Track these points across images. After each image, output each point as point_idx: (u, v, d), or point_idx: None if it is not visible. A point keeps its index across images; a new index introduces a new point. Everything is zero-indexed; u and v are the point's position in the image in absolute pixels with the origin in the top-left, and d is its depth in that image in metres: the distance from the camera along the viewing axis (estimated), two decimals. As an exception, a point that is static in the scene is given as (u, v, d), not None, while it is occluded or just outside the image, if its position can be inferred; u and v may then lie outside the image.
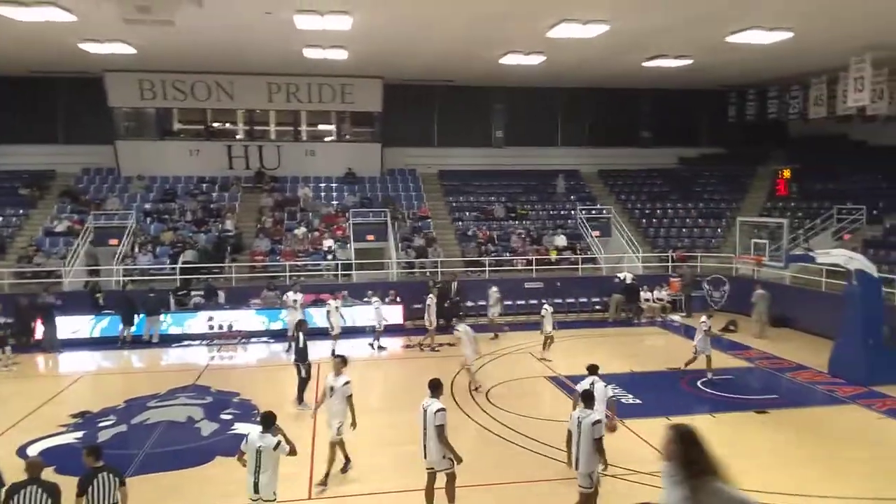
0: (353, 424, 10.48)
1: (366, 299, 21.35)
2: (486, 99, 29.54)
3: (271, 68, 25.21)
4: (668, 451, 3.73)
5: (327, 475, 10.38)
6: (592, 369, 10.64)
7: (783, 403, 14.33)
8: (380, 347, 19.28)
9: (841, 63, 20.77)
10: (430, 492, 9.14)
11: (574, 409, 9.47)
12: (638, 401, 14.45)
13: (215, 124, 29.22)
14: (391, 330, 20.45)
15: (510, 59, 22.09)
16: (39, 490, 7.14)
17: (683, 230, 27.58)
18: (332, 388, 10.51)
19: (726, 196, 29.03)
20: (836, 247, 20.46)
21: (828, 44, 19.23)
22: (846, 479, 10.51)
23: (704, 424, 12.97)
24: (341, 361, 10.80)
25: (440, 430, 8.74)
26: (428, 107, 29.54)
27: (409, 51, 21.64)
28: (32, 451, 11.57)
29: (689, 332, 21.32)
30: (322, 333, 18.96)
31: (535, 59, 22.12)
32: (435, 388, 9.19)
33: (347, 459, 10.80)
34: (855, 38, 18.62)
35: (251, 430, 8.84)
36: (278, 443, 8.34)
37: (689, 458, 3.70)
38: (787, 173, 26.68)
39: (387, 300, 21.47)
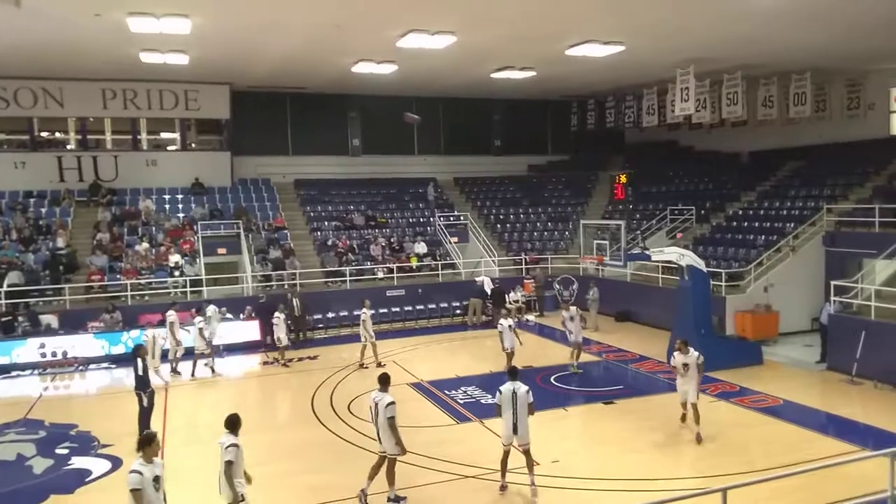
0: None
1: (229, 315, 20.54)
2: (342, 107, 29.21)
3: (105, 73, 23.51)
4: None
5: None
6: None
7: (628, 393, 15.27)
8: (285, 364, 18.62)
9: (669, 75, 22.53)
10: (376, 468, 9.79)
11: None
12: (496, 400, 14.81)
13: (43, 134, 26.81)
14: (249, 347, 19.72)
15: (362, 68, 22.03)
16: None
17: (535, 234, 28.78)
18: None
19: (572, 201, 30.63)
20: (670, 245, 22.15)
21: (655, 57, 20.78)
22: (682, 460, 11.38)
23: (557, 418, 13.61)
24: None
25: (391, 421, 9.44)
26: (280, 114, 28.80)
27: (254, 56, 20.98)
28: None
29: (542, 331, 22.30)
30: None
31: (388, 68, 22.20)
32: (384, 382, 9.82)
33: None
34: (679, 52, 20.26)
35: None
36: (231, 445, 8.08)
37: None
38: (623, 178, 28.56)
39: (241, 316, 20.75)
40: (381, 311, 23.24)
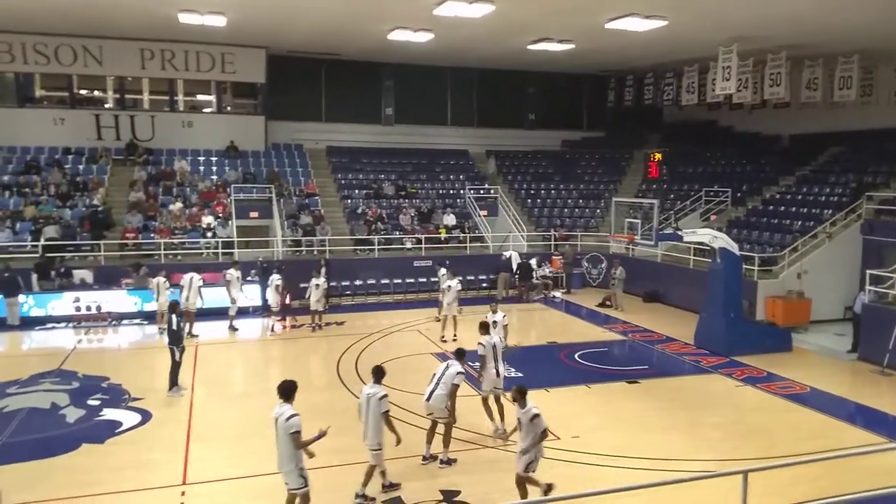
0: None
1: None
2: (376, 75, 29.13)
3: (144, 33, 23.67)
4: None
5: None
6: None
7: (653, 374, 15.21)
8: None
9: (711, 53, 21.99)
10: (431, 434, 10.41)
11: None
12: (519, 374, 14.85)
13: (82, 91, 27.17)
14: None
15: (398, 35, 21.83)
16: None
17: (565, 210, 28.55)
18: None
19: (605, 178, 30.26)
20: (704, 227, 21.84)
21: (698, 34, 20.27)
22: (704, 442, 11.31)
23: (580, 395, 13.62)
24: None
25: (454, 388, 10.13)
26: (315, 80, 28.76)
27: (291, 20, 20.89)
28: None
29: (569, 308, 22.27)
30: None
31: (424, 37, 21.99)
32: (461, 355, 10.59)
33: None
34: (723, 30, 19.74)
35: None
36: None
37: None
38: (658, 157, 28.09)
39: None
40: (408, 280, 23.40)
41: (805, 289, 19.24)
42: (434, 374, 10.47)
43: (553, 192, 29.66)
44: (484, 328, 11.83)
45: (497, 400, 11.48)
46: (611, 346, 17.72)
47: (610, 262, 23.86)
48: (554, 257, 25.21)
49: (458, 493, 9.31)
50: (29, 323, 18.88)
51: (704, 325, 17.35)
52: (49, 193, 23.10)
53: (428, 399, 10.25)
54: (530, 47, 23.62)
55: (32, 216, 21.77)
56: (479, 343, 11.58)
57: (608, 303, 22.08)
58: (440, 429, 10.33)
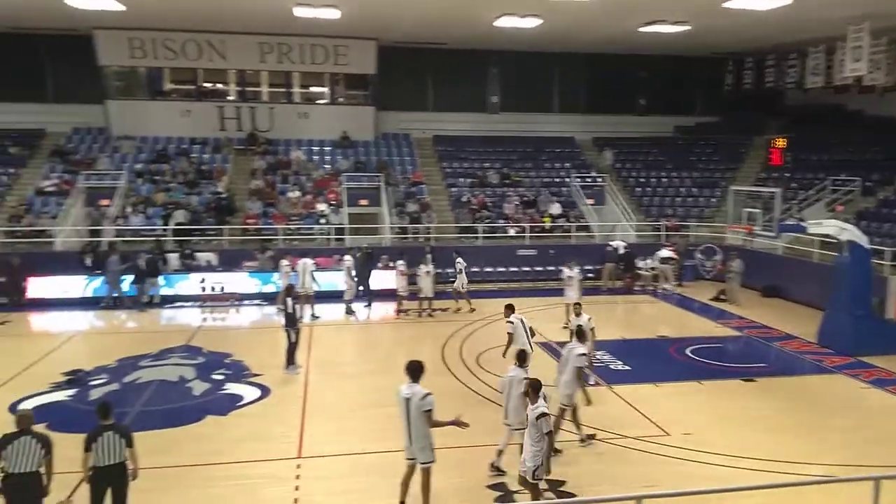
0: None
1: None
2: (482, 64, 29.20)
3: (262, 27, 24.80)
4: None
5: None
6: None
7: (771, 372, 14.48)
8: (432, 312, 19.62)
9: (839, 32, 20.55)
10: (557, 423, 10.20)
11: None
12: (627, 367, 14.60)
13: (206, 84, 28.80)
14: (384, 295, 20.44)
15: (505, 22, 21.74)
16: (33, 440, 7.19)
17: (677, 199, 27.57)
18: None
19: (721, 165, 28.95)
20: (830, 218, 20.50)
21: (826, 11, 18.99)
22: (827, 446, 10.67)
23: (691, 391, 13.20)
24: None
25: (579, 371, 10.29)
26: (423, 70, 29.15)
27: (402, 10, 21.25)
28: (24, 407, 11.62)
29: (682, 302, 21.53)
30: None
31: (531, 23, 21.79)
32: (580, 335, 10.66)
33: None
34: (853, 7, 18.38)
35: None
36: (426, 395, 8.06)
37: None
38: (781, 143, 26.55)
39: (378, 264, 21.47)
40: (512, 269, 23.42)
41: (944, 286, 17.72)
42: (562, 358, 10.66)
43: (664, 180, 28.67)
44: (509, 309, 12.26)
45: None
46: (725, 341, 17.01)
47: (726, 254, 22.83)
48: (666, 248, 24.38)
49: (563, 483, 9.28)
50: (160, 301, 20.28)
51: (829, 322, 16.32)
52: (177, 181, 24.71)
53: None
54: (642, 30, 22.91)
55: (162, 202, 23.39)
56: (508, 321, 12.07)
57: (723, 297, 21.17)
58: (568, 414, 10.46)
